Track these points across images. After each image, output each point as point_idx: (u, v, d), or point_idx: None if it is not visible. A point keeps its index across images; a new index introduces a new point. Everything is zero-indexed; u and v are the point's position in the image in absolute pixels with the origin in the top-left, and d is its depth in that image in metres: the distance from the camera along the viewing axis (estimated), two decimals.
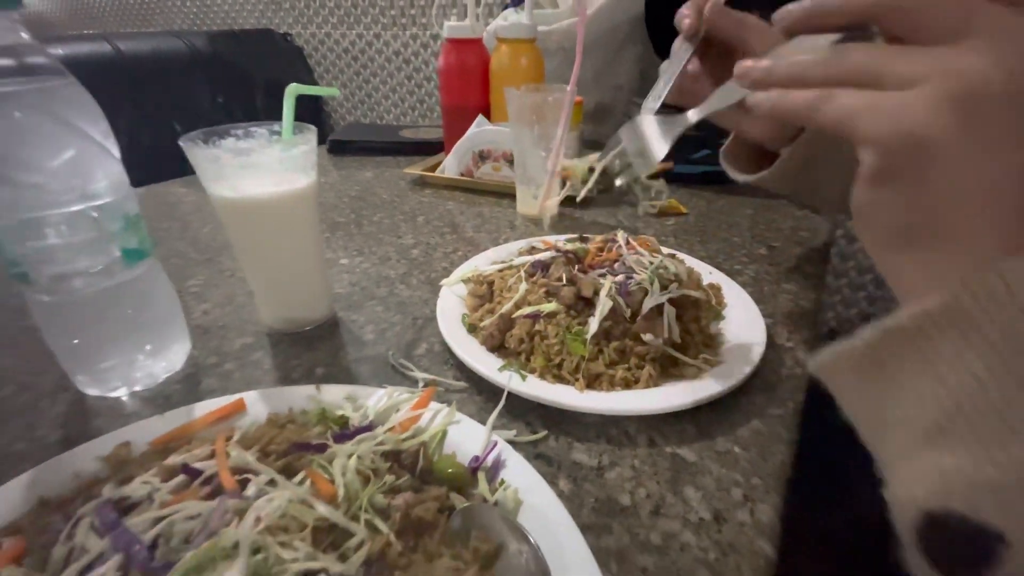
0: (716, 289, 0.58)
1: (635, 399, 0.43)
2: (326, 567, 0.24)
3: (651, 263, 0.53)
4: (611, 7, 1.12)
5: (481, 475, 0.35)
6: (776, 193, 0.77)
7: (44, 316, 0.42)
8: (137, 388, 0.47)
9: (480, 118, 0.98)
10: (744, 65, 0.33)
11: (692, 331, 0.50)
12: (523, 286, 0.55)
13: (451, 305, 0.57)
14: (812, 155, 0.53)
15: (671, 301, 0.49)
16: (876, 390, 0.28)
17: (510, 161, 0.98)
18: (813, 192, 0.65)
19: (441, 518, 0.31)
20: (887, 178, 0.26)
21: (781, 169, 0.56)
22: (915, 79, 0.25)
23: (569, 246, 0.59)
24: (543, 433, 0.42)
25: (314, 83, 2.17)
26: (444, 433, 0.39)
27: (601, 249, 0.58)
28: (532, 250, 0.63)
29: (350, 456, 0.32)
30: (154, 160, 0.92)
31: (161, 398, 0.47)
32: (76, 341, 0.44)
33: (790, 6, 0.31)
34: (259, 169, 0.45)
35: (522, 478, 0.35)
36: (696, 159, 1.02)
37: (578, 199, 0.77)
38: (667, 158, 0.48)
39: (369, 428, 0.37)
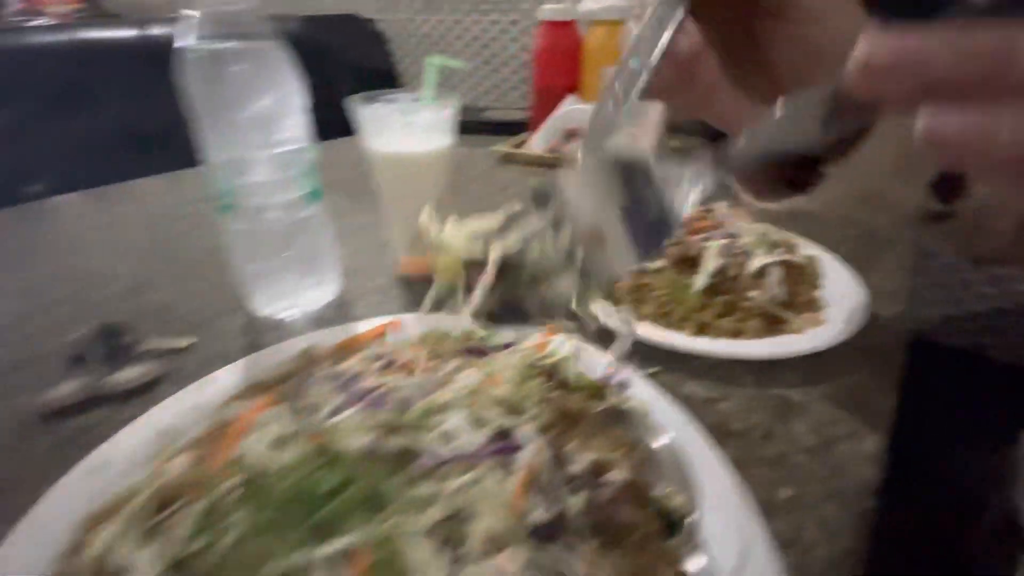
0: (812, 260, 0.61)
1: (745, 346, 0.47)
2: (515, 425, 0.30)
3: (755, 229, 0.56)
4: None
5: (611, 389, 0.41)
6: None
7: (238, 243, 0.51)
8: (300, 313, 0.56)
9: (572, 97, 1.02)
10: (866, 50, 0.15)
11: (795, 292, 0.53)
12: None
13: None
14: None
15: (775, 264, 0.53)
16: None
17: None
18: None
19: (587, 412, 0.37)
20: None
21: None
22: None
23: None
24: (657, 368, 0.47)
25: (393, 67, 2.28)
26: (572, 357, 0.44)
27: (700, 217, 0.62)
28: None
29: (508, 360, 0.38)
30: None
31: (322, 321, 0.55)
32: (258, 266, 0.52)
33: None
34: (414, 128, 0.52)
35: (646, 394, 0.40)
36: None
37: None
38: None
39: (507, 347, 0.44)
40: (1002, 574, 0.50)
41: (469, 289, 0.31)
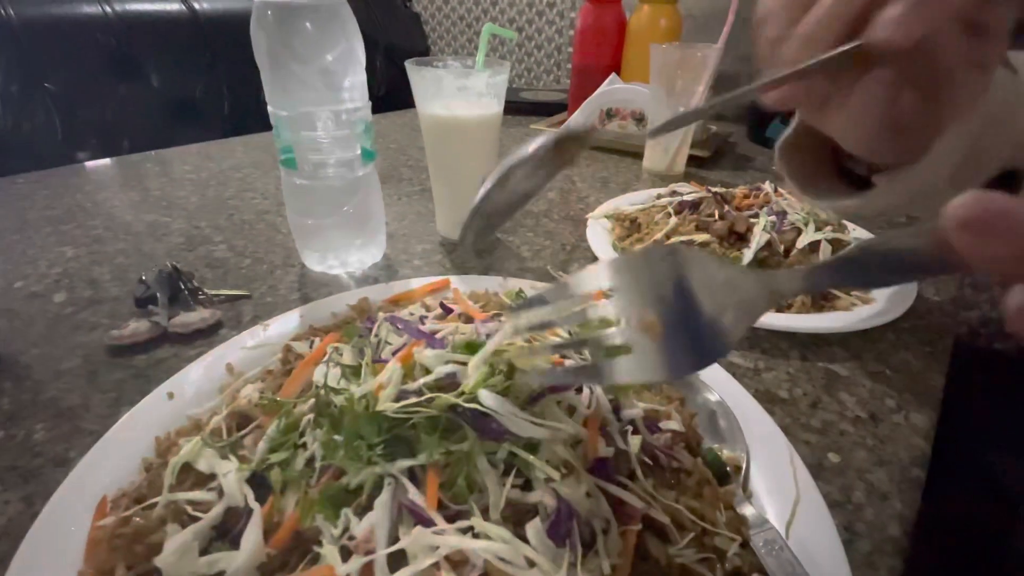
0: None
1: (793, 319, 0.47)
2: (568, 374, 0.31)
3: (803, 207, 0.56)
4: None
5: None
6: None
7: (297, 198, 0.53)
8: (349, 270, 0.57)
9: (613, 75, 1.01)
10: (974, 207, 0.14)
11: None
12: (673, 219, 0.59)
13: (599, 234, 0.63)
14: (945, 174, 0.32)
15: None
16: None
17: (638, 120, 1.01)
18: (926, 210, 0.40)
19: None
20: None
21: (893, 193, 0.34)
22: None
23: (718, 189, 0.62)
24: None
25: (428, 49, 2.29)
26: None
27: (747, 195, 0.62)
28: (674, 194, 0.68)
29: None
30: None
31: (369, 279, 0.56)
32: (313, 222, 0.54)
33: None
34: (468, 92, 0.53)
35: None
36: None
37: None
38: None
39: None
40: None
41: None
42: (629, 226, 0.64)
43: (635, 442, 0.27)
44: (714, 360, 0.23)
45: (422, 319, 0.37)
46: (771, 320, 0.46)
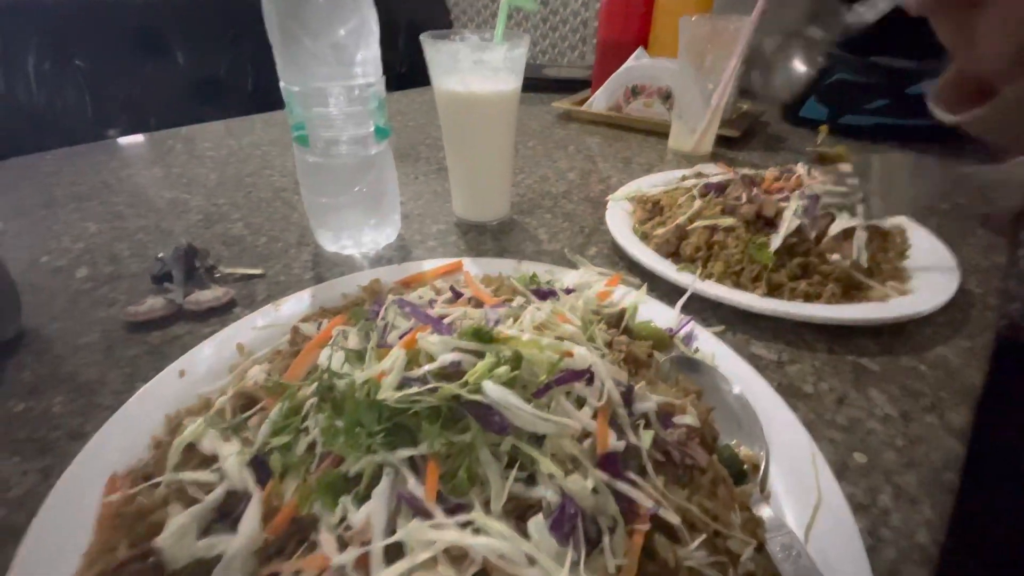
0: (900, 231, 0.56)
1: (820, 309, 0.45)
2: (593, 363, 0.29)
3: (838, 192, 0.52)
4: None
5: (678, 339, 0.39)
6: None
7: (310, 176, 0.52)
8: (363, 250, 0.57)
9: (640, 50, 0.97)
10: None
11: (880, 260, 0.49)
12: (697, 202, 0.57)
13: (619, 217, 0.61)
14: None
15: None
16: None
17: (664, 97, 0.97)
18: None
19: (652, 360, 0.36)
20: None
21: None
22: None
23: (746, 171, 0.59)
24: (721, 328, 0.45)
25: (451, 23, 2.24)
26: (636, 307, 0.43)
27: (777, 178, 0.59)
28: (699, 175, 0.65)
29: (572, 302, 0.38)
30: None
31: (383, 260, 0.56)
32: (327, 201, 0.53)
33: None
34: (485, 67, 0.51)
35: (713, 347, 0.39)
36: (870, 109, 0.95)
37: None
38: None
39: (569, 292, 0.43)
40: None
41: None
42: (651, 209, 0.62)
43: (647, 437, 0.26)
44: None
45: (431, 303, 0.36)
46: (798, 310, 0.44)
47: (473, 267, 0.48)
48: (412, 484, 0.22)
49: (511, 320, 0.32)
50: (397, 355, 0.26)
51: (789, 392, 0.39)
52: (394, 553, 0.21)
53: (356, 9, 0.44)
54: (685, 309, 0.47)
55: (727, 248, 0.50)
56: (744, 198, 0.54)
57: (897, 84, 0.88)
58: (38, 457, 0.34)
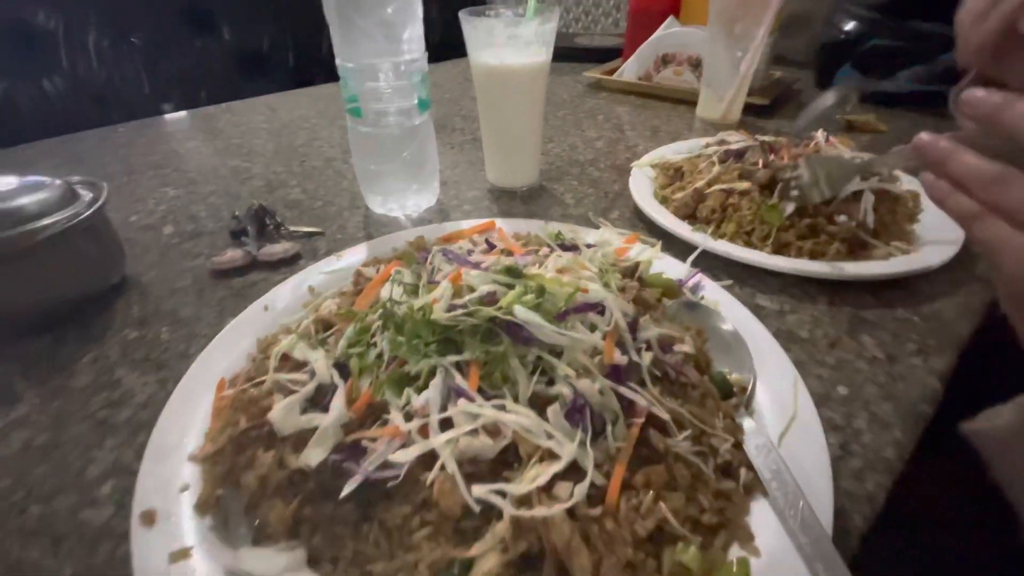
0: (914, 195, 0.59)
1: (823, 266, 0.49)
2: (605, 297, 0.35)
3: (852, 155, 0.55)
4: None
5: (686, 289, 0.44)
6: None
7: (361, 145, 0.58)
8: (407, 212, 0.63)
9: (671, 19, 0.98)
10: (923, 140, 0.30)
11: (887, 222, 0.52)
12: (716, 167, 0.60)
13: (642, 182, 0.65)
14: None
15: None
16: None
17: (694, 66, 0.99)
18: None
19: (661, 304, 0.41)
20: (1016, 303, 0.29)
21: None
22: None
23: (764, 137, 0.62)
24: (729, 282, 0.50)
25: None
26: (651, 262, 0.48)
27: (796, 143, 0.61)
28: (722, 143, 0.68)
29: (592, 254, 0.43)
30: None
31: (424, 222, 0.62)
32: (376, 168, 0.60)
33: (979, 97, 0.27)
34: (519, 40, 0.55)
35: (717, 296, 0.44)
36: (904, 76, 0.94)
37: None
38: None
39: (590, 247, 0.48)
40: None
41: None
42: (673, 174, 0.66)
43: (647, 357, 0.32)
44: None
45: (469, 252, 0.42)
46: (799, 265, 0.48)
47: (504, 226, 0.54)
48: (459, 380, 0.29)
49: (537, 265, 0.38)
50: (446, 286, 0.32)
51: (786, 337, 0.44)
52: (445, 429, 0.28)
53: (403, 4, 0.49)
54: (698, 266, 0.52)
55: (740, 210, 0.54)
56: (760, 164, 0.58)
57: (932, 50, 0.87)
58: (154, 372, 0.42)
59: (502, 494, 0.25)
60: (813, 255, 0.51)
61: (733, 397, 0.34)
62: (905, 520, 0.40)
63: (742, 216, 0.54)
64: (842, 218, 0.51)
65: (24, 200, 0.43)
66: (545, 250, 0.42)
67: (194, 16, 1.28)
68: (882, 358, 0.42)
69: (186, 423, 0.34)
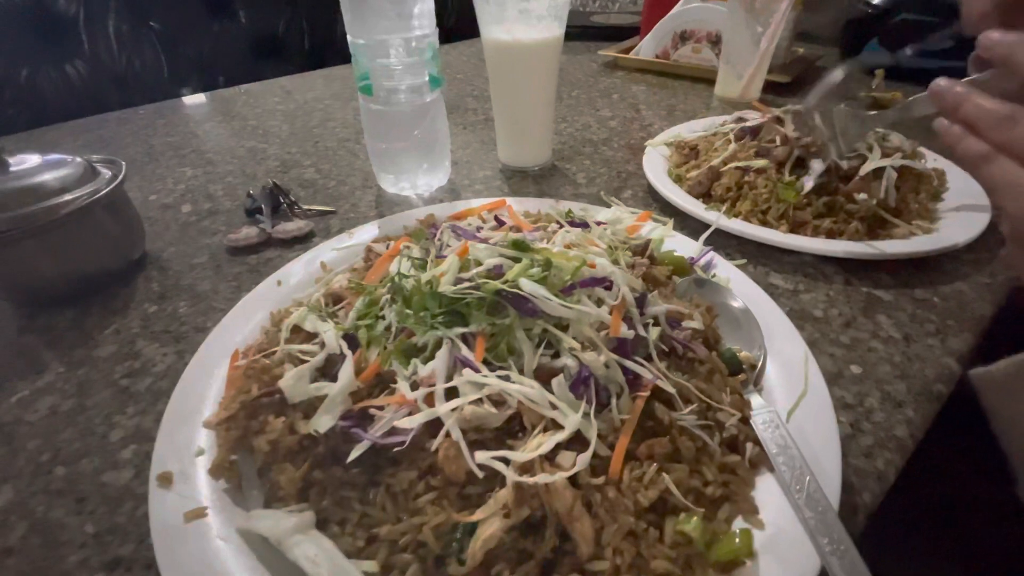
0: (939, 173, 0.57)
1: (839, 245, 0.47)
2: (612, 272, 0.35)
3: (873, 132, 0.54)
4: None
5: (698, 267, 0.44)
6: None
7: (373, 123, 0.58)
8: (418, 191, 0.63)
9: None
10: (939, 85, 0.31)
11: (909, 200, 0.51)
12: (732, 146, 0.59)
13: (656, 161, 0.64)
14: None
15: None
16: None
17: (713, 42, 0.96)
18: None
19: (671, 281, 0.41)
20: (1021, 243, 0.29)
21: None
22: None
23: (775, 110, 0.61)
24: (743, 261, 0.49)
25: None
26: (663, 240, 0.48)
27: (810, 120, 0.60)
28: (739, 120, 0.66)
29: (602, 232, 0.43)
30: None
31: (435, 200, 0.62)
32: (387, 146, 0.60)
33: (996, 37, 0.28)
34: (530, 15, 0.54)
35: (730, 274, 0.43)
36: (933, 51, 0.90)
37: None
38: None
39: (600, 224, 0.48)
40: None
41: None
42: (687, 153, 0.65)
43: (654, 332, 0.32)
44: None
45: (478, 228, 0.42)
46: (815, 244, 0.47)
47: (515, 205, 0.54)
48: (465, 351, 0.29)
49: (545, 241, 0.38)
50: (452, 260, 0.33)
51: (800, 316, 0.43)
52: (450, 399, 0.28)
53: None
54: (712, 244, 0.51)
55: (756, 188, 0.53)
56: (777, 141, 0.56)
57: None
58: (172, 343, 0.44)
59: (505, 461, 0.25)
60: (831, 234, 0.49)
61: (742, 373, 0.34)
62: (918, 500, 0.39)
63: (758, 194, 0.53)
64: (862, 196, 0.50)
65: (45, 177, 0.44)
66: (554, 226, 0.42)
67: (212, 1, 1.29)
68: (898, 338, 0.41)
69: (202, 391, 0.35)
